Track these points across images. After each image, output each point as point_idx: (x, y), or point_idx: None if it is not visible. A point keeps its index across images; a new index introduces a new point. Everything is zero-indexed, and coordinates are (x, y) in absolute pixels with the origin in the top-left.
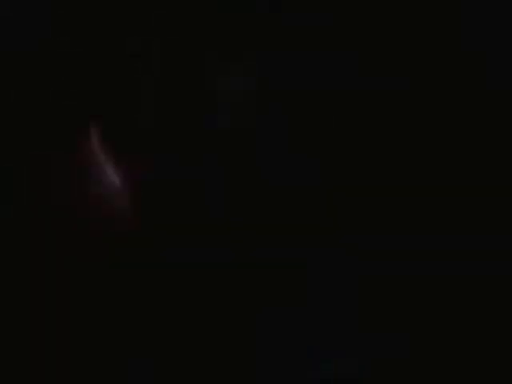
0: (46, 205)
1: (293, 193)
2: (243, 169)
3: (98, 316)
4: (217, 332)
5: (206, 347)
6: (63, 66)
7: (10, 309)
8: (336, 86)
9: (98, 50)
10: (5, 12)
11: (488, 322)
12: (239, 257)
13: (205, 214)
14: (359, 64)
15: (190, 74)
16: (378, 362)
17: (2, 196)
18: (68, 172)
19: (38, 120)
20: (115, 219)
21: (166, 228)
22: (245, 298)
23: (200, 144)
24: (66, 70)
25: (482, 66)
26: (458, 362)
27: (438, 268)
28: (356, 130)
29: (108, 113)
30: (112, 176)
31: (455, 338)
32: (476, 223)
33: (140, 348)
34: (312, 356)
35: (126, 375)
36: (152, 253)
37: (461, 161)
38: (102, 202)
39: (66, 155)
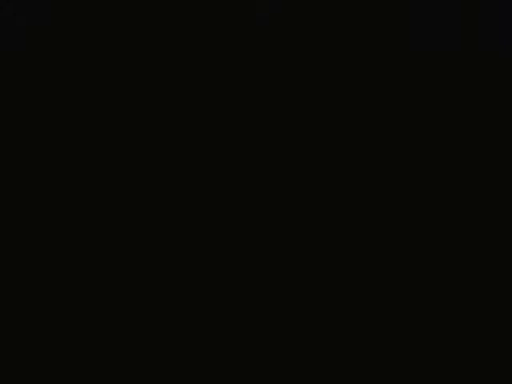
0: (47, 203)
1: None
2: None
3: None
4: None
5: None
6: (63, 66)
7: (10, 305)
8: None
9: (97, 50)
10: (5, 12)
11: None
12: None
13: None
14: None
15: (188, 72)
16: None
17: (2, 196)
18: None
19: (39, 120)
20: None
21: None
22: None
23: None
24: (66, 69)
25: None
26: None
27: None
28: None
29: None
30: None
31: None
32: None
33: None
34: None
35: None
36: None
37: None
38: None
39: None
